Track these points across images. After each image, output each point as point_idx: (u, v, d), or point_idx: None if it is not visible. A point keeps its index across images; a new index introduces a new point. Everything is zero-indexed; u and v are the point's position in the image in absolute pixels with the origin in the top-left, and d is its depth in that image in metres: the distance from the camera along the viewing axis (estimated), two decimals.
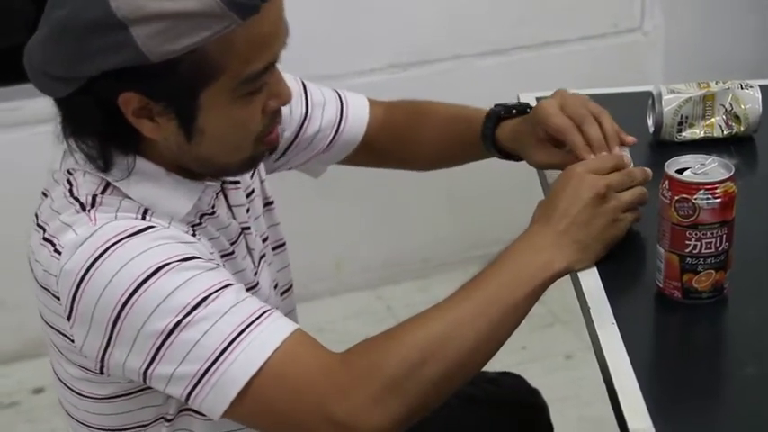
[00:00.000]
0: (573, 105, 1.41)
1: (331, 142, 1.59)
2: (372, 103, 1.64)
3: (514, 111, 1.53)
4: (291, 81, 1.54)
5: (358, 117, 1.61)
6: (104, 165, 1.22)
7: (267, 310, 1.17)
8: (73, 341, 1.20)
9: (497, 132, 1.52)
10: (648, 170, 1.34)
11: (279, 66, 1.24)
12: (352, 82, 2.88)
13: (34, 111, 2.55)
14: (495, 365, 1.78)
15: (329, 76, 2.84)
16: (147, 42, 1.11)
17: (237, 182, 1.37)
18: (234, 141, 1.23)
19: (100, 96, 1.17)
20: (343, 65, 2.89)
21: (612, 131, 1.38)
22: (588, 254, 1.27)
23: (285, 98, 1.25)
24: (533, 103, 1.73)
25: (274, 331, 1.15)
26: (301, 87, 1.57)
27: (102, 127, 1.20)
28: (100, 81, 1.15)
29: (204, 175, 1.29)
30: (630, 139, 1.40)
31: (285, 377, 1.14)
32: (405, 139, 1.64)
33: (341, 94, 1.62)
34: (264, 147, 1.28)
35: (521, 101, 1.58)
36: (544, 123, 1.42)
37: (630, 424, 1.06)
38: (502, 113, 1.53)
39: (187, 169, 1.26)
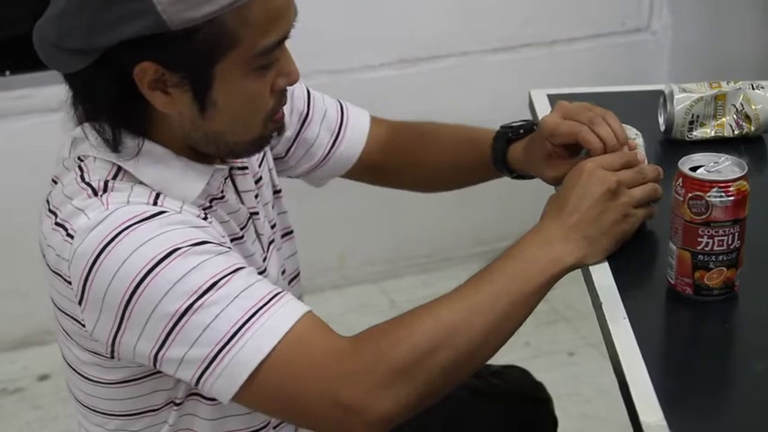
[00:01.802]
0: (577, 111, 1.40)
1: (328, 154, 1.60)
2: (375, 121, 1.64)
3: (522, 131, 1.52)
4: (297, 84, 1.55)
5: (357, 133, 1.61)
6: (114, 146, 1.22)
7: (278, 294, 1.18)
8: (84, 325, 1.20)
9: (509, 155, 1.51)
10: (660, 168, 1.35)
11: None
12: (362, 76, 2.89)
13: (44, 99, 2.57)
14: (498, 360, 1.78)
15: (339, 70, 2.87)
16: (167, 9, 1.13)
17: (245, 168, 1.37)
18: (245, 117, 1.24)
19: (115, 68, 1.18)
20: (353, 59, 2.90)
21: (621, 130, 1.38)
22: (598, 249, 1.28)
23: (293, 77, 1.26)
24: (543, 100, 1.75)
25: (284, 316, 1.16)
26: (304, 91, 1.58)
27: (115, 102, 1.21)
28: (117, 51, 1.16)
29: (213, 157, 1.30)
30: (633, 143, 1.40)
31: (294, 362, 1.15)
32: (409, 162, 1.65)
33: (344, 107, 1.62)
34: (273, 125, 1.28)
35: (524, 119, 1.56)
36: (552, 134, 1.41)
37: (642, 417, 1.07)
38: (510, 135, 1.52)
39: (197, 150, 1.27)
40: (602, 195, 1.27)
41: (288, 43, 1.26)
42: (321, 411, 1.17)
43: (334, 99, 1.62)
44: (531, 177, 1.53)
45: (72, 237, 1.17)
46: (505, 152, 1.52)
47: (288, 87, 1.28)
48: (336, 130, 1.59)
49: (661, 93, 1.66)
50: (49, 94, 2.48)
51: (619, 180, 1.28)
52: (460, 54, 3.02)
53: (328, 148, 1.59)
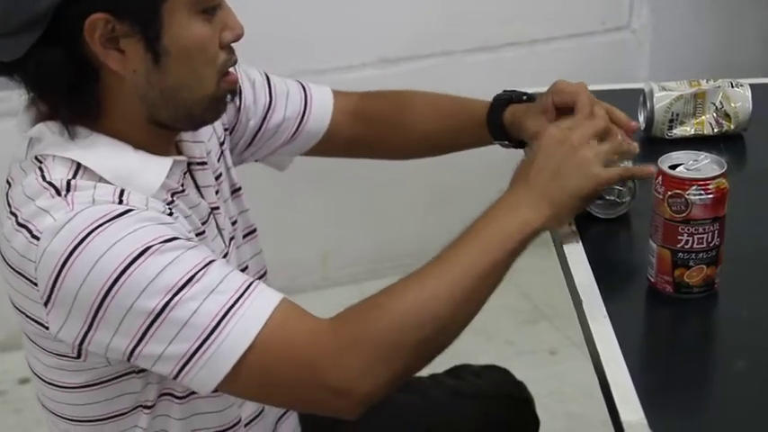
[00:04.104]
0: (587, 91, 1.46)
1: (296, 132, 1.61)
2: (340, 94, 1.66)
3: (525, 97, 1.57)
4: (255, 72, 1.56)
5: (322, 108, 1.63)
6: (71, 136, 1.23)
7: (252, 283, 1.18)
8: (47, 327, 1.19)
9: (505, 113, 1.55)
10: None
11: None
12: (342, 76, 2.89)
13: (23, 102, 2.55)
14: (480, 359, 1.79)
15: (319, 70, 2.86)
16: None
17: (205, 162, 1.38)
18: (198, 68, 1.25)
19: (65, 34, 1.18)
20: (334, 59, 2.90)
21: (621, 118, 1.43)
22: (562, 209, 1.27)
23: (238, 30, 1.27)
24: None
25: (262, 304, 1.17)
26: (264, 78, 1.59)
27: (71, 83, 1.20)
28: (63, 12, 1.16)
29: (170, 148, 1.31)
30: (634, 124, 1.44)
31: (276, 349, 1.16)
32: (385, 128, 1.66)
33: (304, 85, 1.63)
34: (226, 86, 1.29)
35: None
36: (558, 91, 1.47)
37: (623, 416, 1.07)
38: (512, 96, 1.57)
39: (155, 122, 1.26)
40: (563, 154, 1.28)
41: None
42: (307, 395, 1.18)
43: (294, 80, 1.64)
44: (514, 144, 1.57)
45: (38, 238, 1.16)
46: (503, 110, 1.55)
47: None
48: (302, 110, 1.61)
49: (641, 91, 1.66)
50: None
51: (581, 135, 1.29)
52: (442, 53, 3.02)
53: (295, 127, 1.61)
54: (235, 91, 1.33)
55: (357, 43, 2.94)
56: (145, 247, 1.14)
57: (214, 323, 1.14)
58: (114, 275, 1.13)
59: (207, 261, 1.17)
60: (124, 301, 1.14)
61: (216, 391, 1.18)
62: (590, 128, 1.32)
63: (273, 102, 1.58)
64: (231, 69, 1.29)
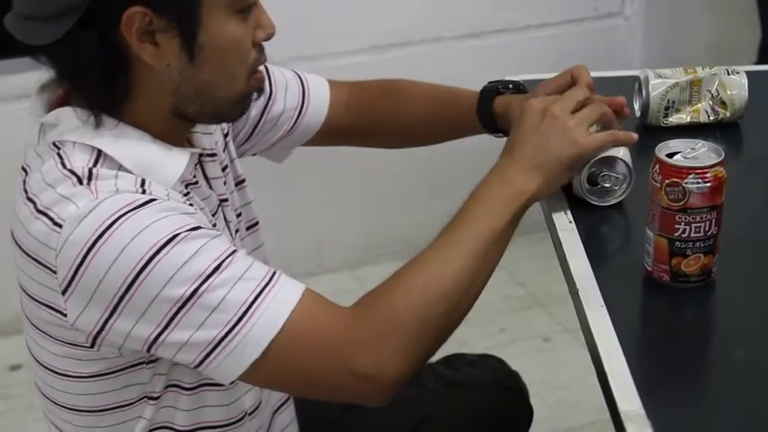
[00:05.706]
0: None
1: (294, 124, 1.61)
2: (334, 84, 1.66)
3: (511, 86, 1.58)
4: None
5: (320, 99, 1.63)
6: (96, 124, 1.22)
7: (275, 272, 1.19)
8: (65, 315, 1.18)
9: (495, 104, 1.56)
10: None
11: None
12: (334, 63, 2.88)
13: (10, 87, 2.53)
14: (474, 346, 1.78)
15: (311, 56, 2.85)
16: None
17: (214, 154, 1.38)
18: (231, 66, 1.25)
19: (101, 24, 1.18)
20: (325, 46, 2.89)
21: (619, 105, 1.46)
22: (551, 177, 1.31)
23: (270, 29, 1.28)
24: None
25: (287, 293, 1.17)
26: (264, 71, 1.57)
27: (103, 69, 1.20)
28: (102, 2, 1.16)
29: (194, 122, 1.31)
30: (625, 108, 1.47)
31: (304, 336, 1.17)
32: (378, 117, 1.66)
33: (301, 76, 1.63)
34: (254, 83, 1.29)
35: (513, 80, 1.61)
36: (549, 81, 1.49)
37: (621, 406, 1.07)
38: (500, 88, 1.57)
39: (178, 114, 1.26)
40: (544, 123, 1.31)
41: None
42: (336, 382, 1.19)
43: (290, 70, 1.63)
44: (506, 134, 1.56)
45: (60, 225, 1.16)
46: (492, 100, 1.57)
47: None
48: (300, 101, 1.61)
49: (636, 78, 1.66)
50: (14, 83, 2.52)
51: (561, 106, 1.32)
52: (433, 40, 3.01)
53: (294, 119, 1.61)
54: (262, 89, 1.33)
55: (348, 30, 2.93)
56: (171, 235, 1.14)
57: (243, 310, 1.15)
58: (141, 264, 1.13)
59: (231, 250, 1.18)
60: (151, 290, 1.14)
61: (240, 379, 1.18)
62: (570, 98, 1.35)
63: (273, 93, 1.58)
64: (260, 67, 1.29)
